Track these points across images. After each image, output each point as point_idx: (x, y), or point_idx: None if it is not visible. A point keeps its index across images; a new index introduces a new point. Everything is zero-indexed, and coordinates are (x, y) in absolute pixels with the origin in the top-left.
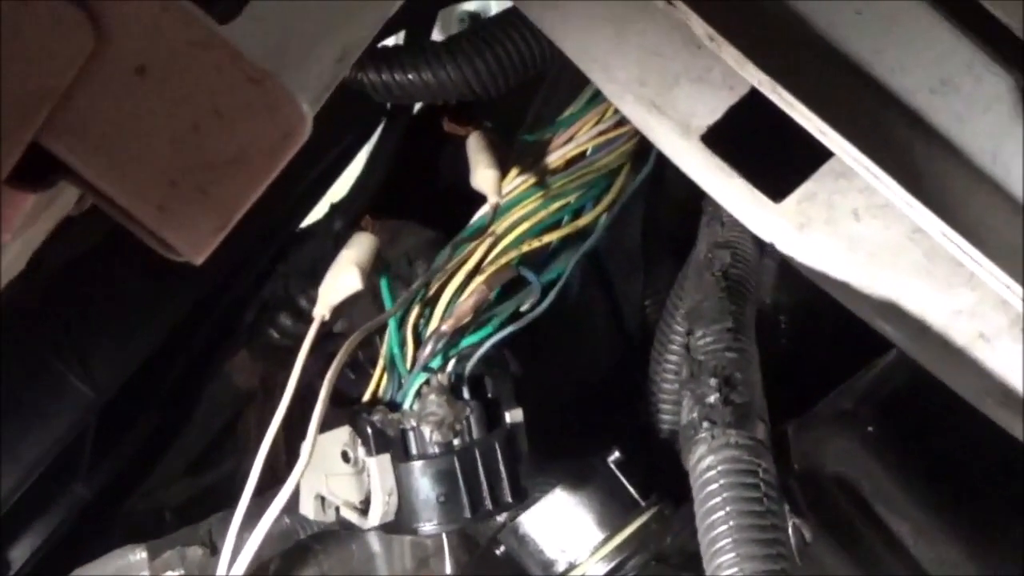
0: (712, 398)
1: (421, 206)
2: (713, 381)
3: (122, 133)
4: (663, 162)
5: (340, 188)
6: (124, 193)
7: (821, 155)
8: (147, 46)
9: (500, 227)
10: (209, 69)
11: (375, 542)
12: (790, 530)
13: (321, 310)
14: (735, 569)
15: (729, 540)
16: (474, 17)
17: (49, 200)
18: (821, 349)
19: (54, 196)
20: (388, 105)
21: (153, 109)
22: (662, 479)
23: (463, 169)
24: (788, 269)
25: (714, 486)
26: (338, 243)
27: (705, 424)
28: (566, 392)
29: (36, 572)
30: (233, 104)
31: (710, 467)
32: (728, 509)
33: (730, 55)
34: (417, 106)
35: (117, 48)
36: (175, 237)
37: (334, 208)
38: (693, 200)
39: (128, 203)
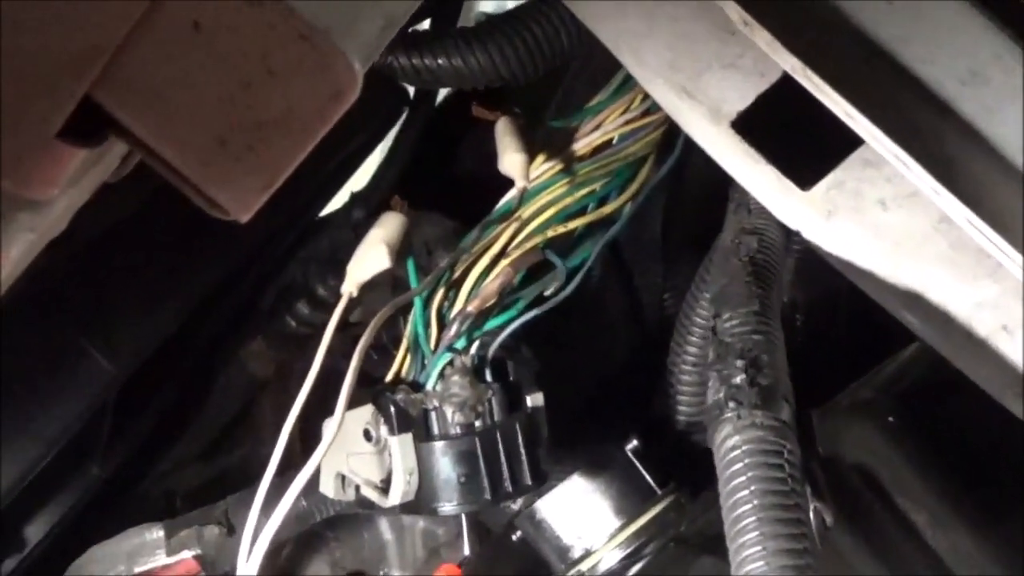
0: (738, 379)
1: (441, 197)
2: (739, 362)
3: (173, 90)
4: (685, 158)
5: (361, 178)
6: (173, 150)
7: (849, 144)
8: (201, 3)
9: (527, 211)
10: (262, 26)
11: (387, 531)
12: (811, 513)
13: (348, 287)
14: (759, 547)
15: (753, 519)
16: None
17: (96, 158)
18: (836, 348)
19: (102, 154)
20: (411, 95)
21: (205, 66)
22: (679, 468)
23: (485, 159)
24: (805, 268)
25: (739, 465)
26: (358, 232)
27: (731, 404)
28: (585, 380)
29: (50, 551)
30: (285, 62)
31: (735, 447)
32: (753, 488)
33: (763, 39)
34: (440, 97)
35: (172, 4)
36: (222, 195)
37: (354, 197)
38: (713, 196)
39: (177, 160)
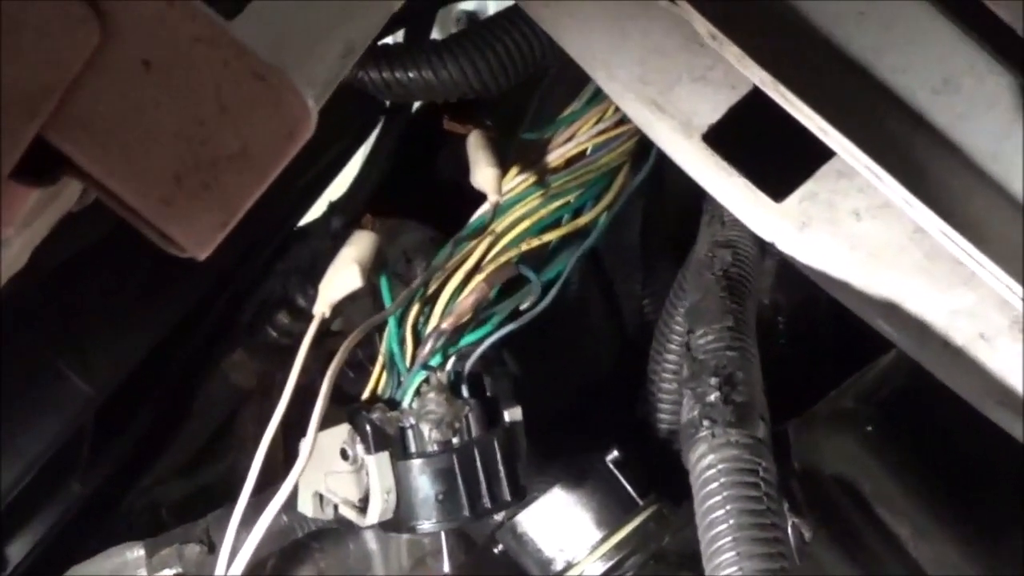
0: (712, 397)
1: (419, 205)
2: (714, 380)
3: (127, 128)
4: (663, 163)
5: (338, 187)
6: (128, 189)
7: (822, 155)
8: (153, 41)
9: (500, 225)
10: (215, 64)
11: (372, 541)
12: (790, 529)
13: (321, 307)
14: (735, 568)
15: (729, 539)
16: (471, 17)
17: (52, 195)
18: (819, 350)
19: (57, 191)
20: (386, 104)
21: (158, 104)
22: (660, 478)
23: (462, 168)
24: (786, 270)
25: (714, 484)
26: (336, 242)
27: (706, 423)
28: (565, 391)
29: (32, 569)
30: (238, 99)
31: (710, 466)
32: (728, 508)
33: (732, 54)
34: (416, 105)
35: (122, 43)
36: (179, 233)
37: (332, 207)
38: (692, 201)
39: (132, 199)
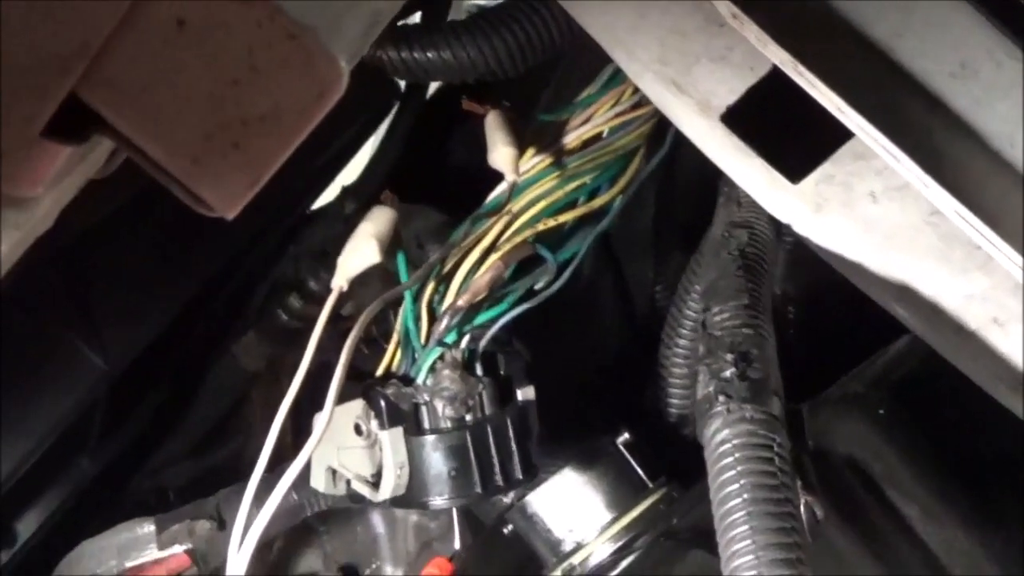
0: (728, 373)
1: (433, 189)
2: (729, 356)
3: (159, 87)
4: (675, 149)
5: (352, 171)
6: (159, 147)
7: (839, 137)
8: (187, 1)
9: (517, 205)
10: (248, 24)
11: (379, 524)
12: (802, 507)
13: (339, 281)
14: (748, 542)
15: (743, 513)
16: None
17: (82, 155)
18: (828, 340)
19: (87, 151)
20: (402, 88)
21: (191, 63)
22: (671, 460)
23: (477, 151)
24: (797, 260)
25: (729, 459)
26: (349, 225)
27: (721, 398)
28: (576, 373)
29: (41, 545)
30: (270, 60)
31: (725, 440)
32: (742, 482)
33: (752, 33)
34: (431, 89)
35: (157, 2)
36: (208, 192)
37: (345, 191)
38: (704, 188)
39: (162, 157)
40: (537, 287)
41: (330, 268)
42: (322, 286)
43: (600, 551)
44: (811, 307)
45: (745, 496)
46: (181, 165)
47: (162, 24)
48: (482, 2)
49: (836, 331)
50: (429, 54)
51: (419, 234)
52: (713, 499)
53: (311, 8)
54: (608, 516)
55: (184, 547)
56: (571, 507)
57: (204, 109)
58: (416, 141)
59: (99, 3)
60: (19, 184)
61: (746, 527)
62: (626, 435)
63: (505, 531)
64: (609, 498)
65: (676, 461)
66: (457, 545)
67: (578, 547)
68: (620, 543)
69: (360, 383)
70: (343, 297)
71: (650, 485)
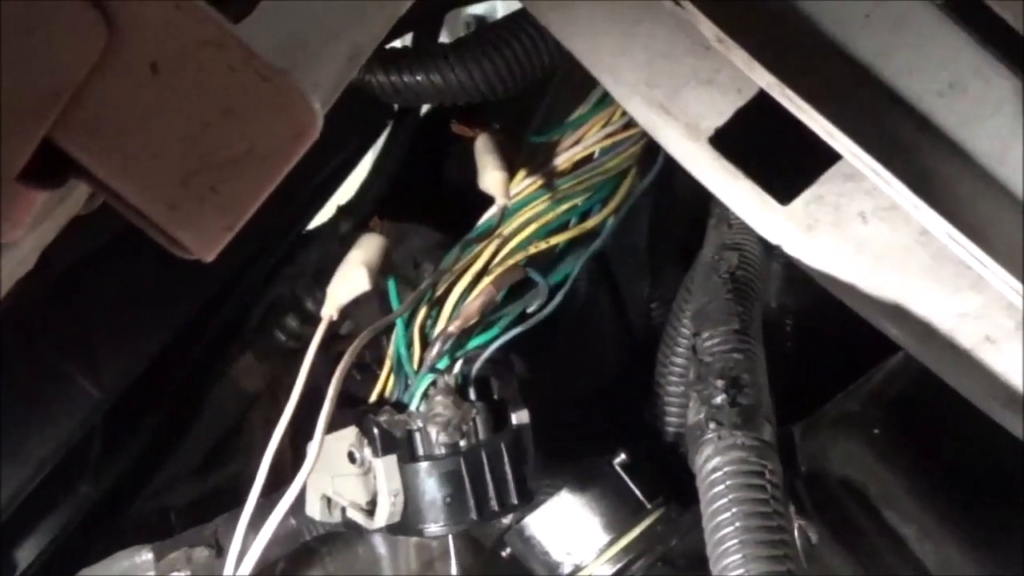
0: (719, 399)
1: (427, 209)
2: (720, 382)
3: (134, 131)
4: (670, 165)
5: (347, 191)
6: (135, 191)
7: (828, 158)
8: (160, 44)
9: (508, 228)
10: (222, 67)
11: (380, 544)
12: (796, 531)
13: (329, 310)
14: (741, 570)
15: (736, 541)
16: (480, 20)
17: (60, 198)
18: (826, 352)
19: (65, 194)
20: (395, 107)
21: (165, 107)
22: (668, 481)
23: (470, 171)
24: (793, 273)
25: (720, 487)
26: (345, 245)
27: (712, 425)
28: (572, 394)
29: (42, 572)
30: (245, 103)
31: (716, 468)
32: (735, 510)
33: (739, 57)
34: (424, 108)
35: (130, 46)
36: (186, 235)
37: (341, 210)
38: (699, 204)
39: (139, 201)
40: (530, 310)
41: (326, 288)
42: (318, 306)
43: (598, 573)
44: (808, 320)
45: (737, 524)
46: (158, 209)
47: (135, 68)
48: (478, 12)
49: (834, 343)
50: (418, 77)
51: (414, 253)
52: (706, 527)
53: (286, 48)
54: (606, 538)
55: (182, 574)
56: (568, 529)
57: (179, 153)
58: (411, 160)
59: (72, 48)
60: None
61: (739, 556)
62: (623, 456)
63: (503, 554)
64: (606, 520)
65: (674, 480)
66: (454, 570)
67: (576, 569)
68: (618, 565)
69: (353, 410)
70: (340, 314)
71: (647, 506)
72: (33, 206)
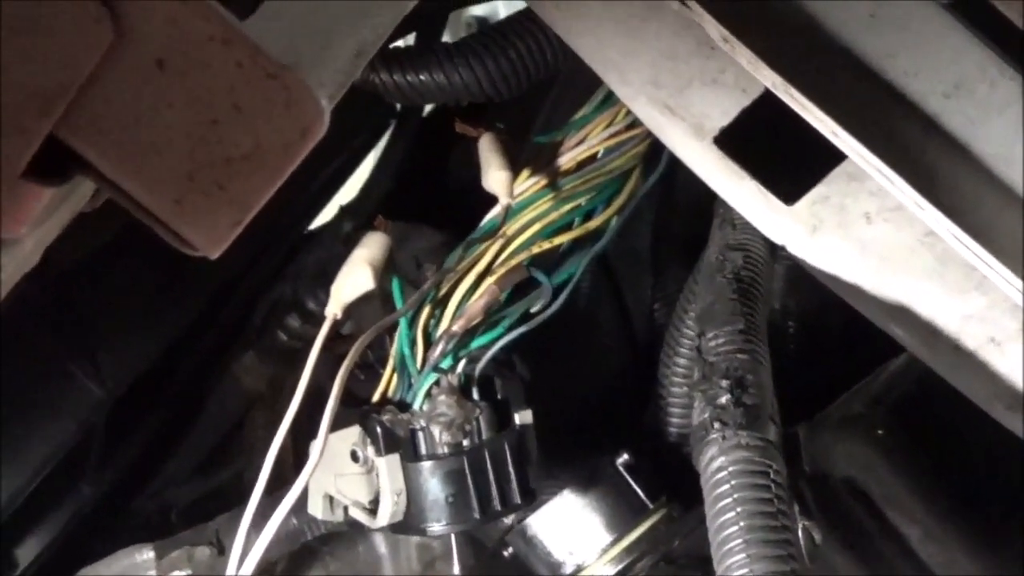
0: (723, 399)
1: (430, 209)
2: (724, 382)
3: (139, 127)
4: (674, 166)
5: (350, 190)
6: (141, 187)
7: (833, 158)
8: (166, 41)
9: (511, 228)
10: (228, 64)
11: (382, 544)
12: (800, 532)
13: (333, 308)
14: (746, 570)
15: (740, 540)
16: (482, 21)
17: (65, 194)
18: (829, 355)
19: (70, 190)
20: (398, 107)
21: (171, 104)
22: (671, 481)
23: (473, 171)
24: (796, 275)
25: (725, 487)
26: (347, 245)
27: (716, 425)
28: (575, 394)
29: (43, 571)
30: (251, 99)
31: (721, 468)
32: (739, 510)
33: (744, 57)
34: (427, 108)
35: (136, 42)
36: (191, 232)
37: (344, 210)
38: (703, 204)
39: (144, 198)
40: (533, 310)
41: (328, 288)
42: (321, 306)
43: (601, 573)
44: (812, 321)
45: (742, 524)
46: (164, 205)
47: (142, 65)
48: (479, 13)
49: (837, 344)
50: (423, 77)
51: (417, 254)
52: (710, 526)
53: (293, 44)
54: (608, 538)
55: (183, 573)
56: (571, 529)
57: (186, 149)
58: (414, 159)
59: (78, 44)
60: (1, 225)
61: (743, 555)
62: (625, 455)
63: (506, 554)
64: (609, 520)
65: (677, 480)
66: (456, 570)
67: (579, 569)
68: (621, 565)
69: (357, 409)
70: (342, 318)
71: (650, 506)
72: (38, 203)
